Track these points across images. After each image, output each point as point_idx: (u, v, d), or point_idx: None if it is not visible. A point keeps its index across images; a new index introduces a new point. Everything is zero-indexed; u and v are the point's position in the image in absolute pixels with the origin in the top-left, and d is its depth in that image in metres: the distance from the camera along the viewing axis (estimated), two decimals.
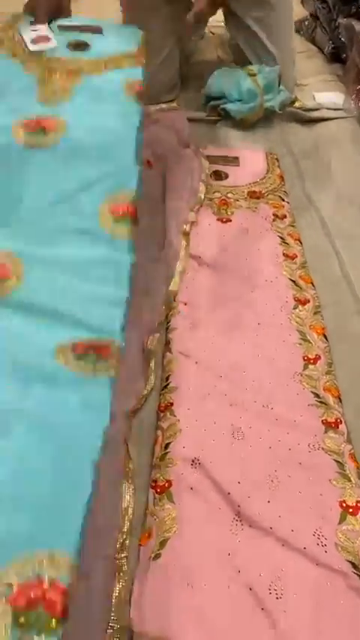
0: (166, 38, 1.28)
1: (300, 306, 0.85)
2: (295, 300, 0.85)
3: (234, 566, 0.57)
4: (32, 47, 0.83)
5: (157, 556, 0.58)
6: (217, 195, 1.05)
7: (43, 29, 0.86)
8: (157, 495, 0.63)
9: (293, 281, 0.89)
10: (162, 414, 0.70)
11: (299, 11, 1.84)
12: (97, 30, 0.88)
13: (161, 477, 0.64)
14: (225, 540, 0.59)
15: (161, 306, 0.82)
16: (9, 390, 0.53)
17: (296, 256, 0.94)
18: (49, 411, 0.52)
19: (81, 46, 0.84)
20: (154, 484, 0.64)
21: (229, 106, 1.28)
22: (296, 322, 0.82)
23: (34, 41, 0.83)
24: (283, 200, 1.06)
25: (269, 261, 0.92)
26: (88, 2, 1.42)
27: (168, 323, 0.81)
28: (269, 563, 0.56)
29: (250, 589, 0.55)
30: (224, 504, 0.61)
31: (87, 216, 0.65)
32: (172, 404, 0.71)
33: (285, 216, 1.02)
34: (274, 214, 1.02)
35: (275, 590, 0.55)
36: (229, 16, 1.33)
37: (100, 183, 0.68)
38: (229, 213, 1.01)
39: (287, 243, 0.96)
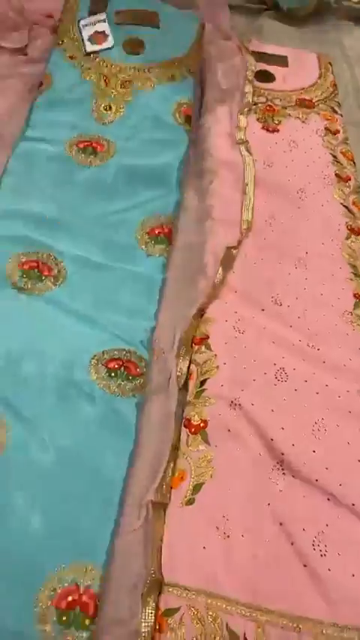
0: None
1: (353, 237, 0.75)
2: (348, 230, 0.76)
3: (275, 518, 0.52)
4: (89, 48, 0.85)
5: (191, 501, 0.53)
6: (262, 100, 0.92)
7: (101, 23, 0.87)
8: (190, 435, 0.56)
9: (346, 207, 0.78)
10: (197, 347, 0.63)
11: None
12: (153, 22, 0.88)
13: (196, 416, 0.57)
14: (265, 489, 0.54)
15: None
16: (45, 402, 0.56)
17: (349, 179, 0.82)
18: (79, 428, 0.55)
19: (135, 49, 0.86)
20: (187, 422, 0.57)
21: None
22: (348, 254, 0.73)
23: (92, 39, 0.86)
24: (336, 112, 0.93)
25: (320, 181, 0.81)
26: None
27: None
28: (314, 518, 0.52)
29: (292, 543, 0.51)
30: (265, 450, 0.56)
31: (127, 233, 0.70)
32: (207, 337, 0.63)
33: (337, 132, 0.89)
34: (325, 128, 0.89)
35: (319, 546, 0.50)
36: None
37: (142, 205, 0.72)
38: (275, 122, 0.88)
39: (340, 163, 0.84)
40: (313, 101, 0.93)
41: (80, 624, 0.45)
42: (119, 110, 0.81)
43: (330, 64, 1.02)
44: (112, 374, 0.58)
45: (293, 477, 0.54)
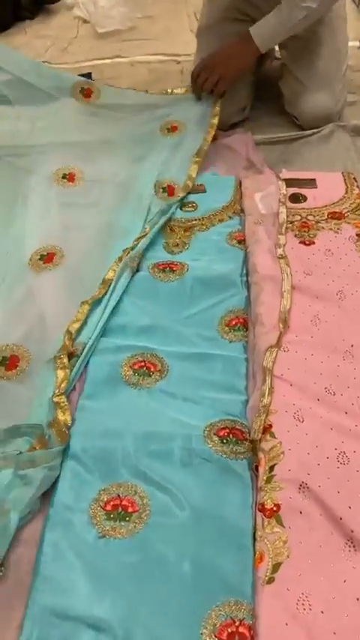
0: None
1: None
2: None
3: (352, 594, 0.56)
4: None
5: (271, 580, 0.58)
6: (297, 218, 1.06)
7: None
8: (265, 519, 0.63)
9: None
10: (262, 436, 0.71)
11: None
12: (201, 190, 1.17)
13: (269, 501, 0.64)
14: (340, 566, 0.58)
15: None
16: (174, 471, 0.69)
17: None
18: (205, 488, 0.67)
19: (190, 207, 1.12)
20: (261, 507, 0.64)
21: None
22: None
23: None
24: None
25: (357, 282, 0.91)
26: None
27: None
28: None
29: None
30: (336, 529, 0.61)
31: (211, 328, 0.87)
32: (271, 426, 0.71)
33: None
34: (357, 234, 1.01)
35: None
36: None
37: (218, 305, 0.90)
38: (311, 235, 1.02)
39: None
40: (343, 213, 1.07)
41: None
42: (185, 245, 1.03)
43: (355, 178, 1.17)
44: (224, 440, 0.71)
45: None
